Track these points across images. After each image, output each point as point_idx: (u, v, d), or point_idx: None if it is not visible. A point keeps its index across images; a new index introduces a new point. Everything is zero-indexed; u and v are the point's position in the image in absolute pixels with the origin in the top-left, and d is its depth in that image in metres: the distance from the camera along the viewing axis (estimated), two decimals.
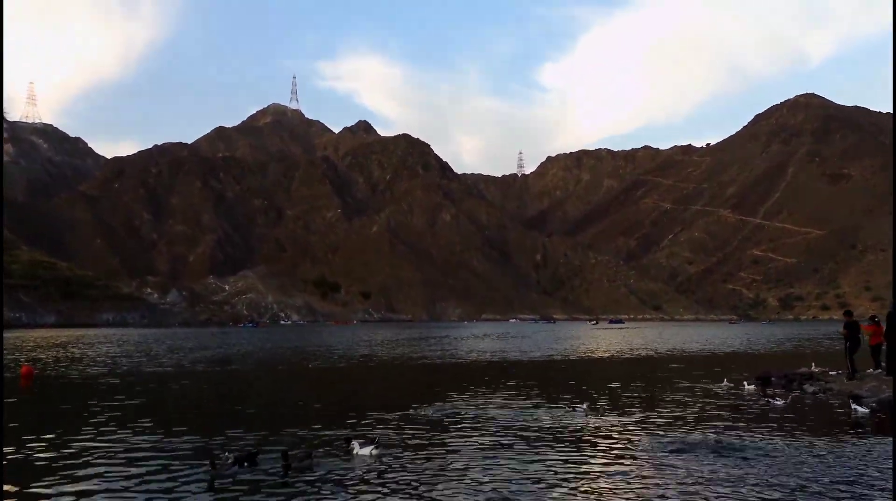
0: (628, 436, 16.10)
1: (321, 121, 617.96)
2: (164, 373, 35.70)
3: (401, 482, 11.92)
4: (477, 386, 27.79)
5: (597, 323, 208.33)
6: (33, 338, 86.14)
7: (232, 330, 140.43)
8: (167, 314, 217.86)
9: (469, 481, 11.94)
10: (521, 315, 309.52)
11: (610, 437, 16.04)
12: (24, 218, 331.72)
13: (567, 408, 20.61)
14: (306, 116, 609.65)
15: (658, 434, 16.19)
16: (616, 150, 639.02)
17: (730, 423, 17.95)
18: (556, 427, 17.53)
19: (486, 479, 12.08)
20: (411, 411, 20.24)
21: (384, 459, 13.53)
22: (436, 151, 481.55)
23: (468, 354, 52.85)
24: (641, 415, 19.42)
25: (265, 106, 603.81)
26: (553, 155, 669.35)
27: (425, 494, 11.21)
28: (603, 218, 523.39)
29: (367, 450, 13.73)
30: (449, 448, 14.74)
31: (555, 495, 11.10)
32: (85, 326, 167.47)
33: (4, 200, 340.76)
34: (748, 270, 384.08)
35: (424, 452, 14.32)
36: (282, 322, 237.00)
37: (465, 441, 15.51)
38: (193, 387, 29.52)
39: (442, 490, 11.42)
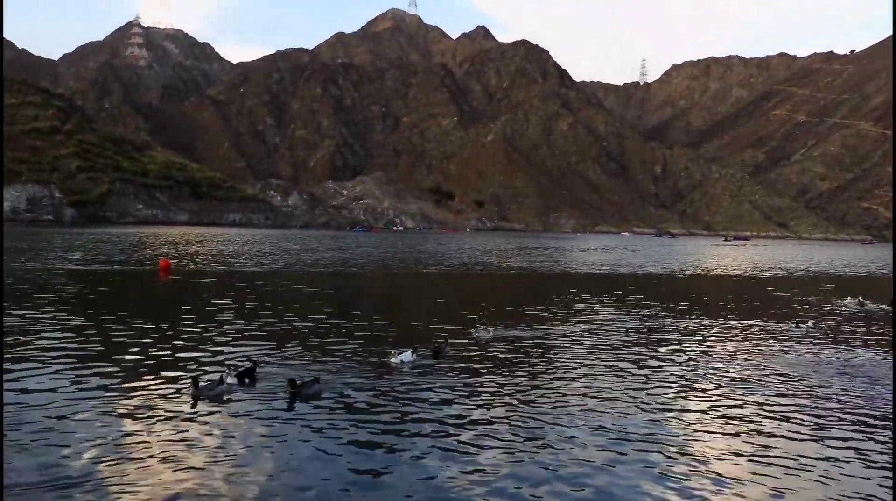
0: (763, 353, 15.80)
1: (439, 27, 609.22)
2: (284, 271, 37.54)
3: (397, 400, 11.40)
4: (583, 298, 27.72)
5: (728, 240, 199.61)
6: (168, 235, 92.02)
7: (348, 234, 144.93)
8: (289, 216, 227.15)
9: (480, 404, 11.25)
10: (635, 229, 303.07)
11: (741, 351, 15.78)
12: (159, 121, 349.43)
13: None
14: (425, 22, 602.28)
15: (791, 354, 15.81)
16: (748, 57, 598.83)
17: (858, 341, 17.33)
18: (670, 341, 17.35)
19: (526, 404, 12.08)
20: (505, 321, 20.48)
21: (417, 368, 13.46)
22: (554, 59, 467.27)
23: (581, 266, 52.56)
24: (773, 334, 18.95)
25: (384, 11, 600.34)
26: (679, 63, 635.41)
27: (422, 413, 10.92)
28: (729, 130, 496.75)
29: (406, 357, 13.76)
30: (501, 364, 14.79)
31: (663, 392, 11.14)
32: (213, 225, 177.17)
33: (141, 102, 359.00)
34: (887, 187, 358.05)
35: (479, 365, 14.34)
36: (394, 228, 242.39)
37: (536, 358, 15.50)
38: (310, 285, 30.92)
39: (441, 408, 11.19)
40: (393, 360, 13.62)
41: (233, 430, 9.36)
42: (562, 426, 10.11)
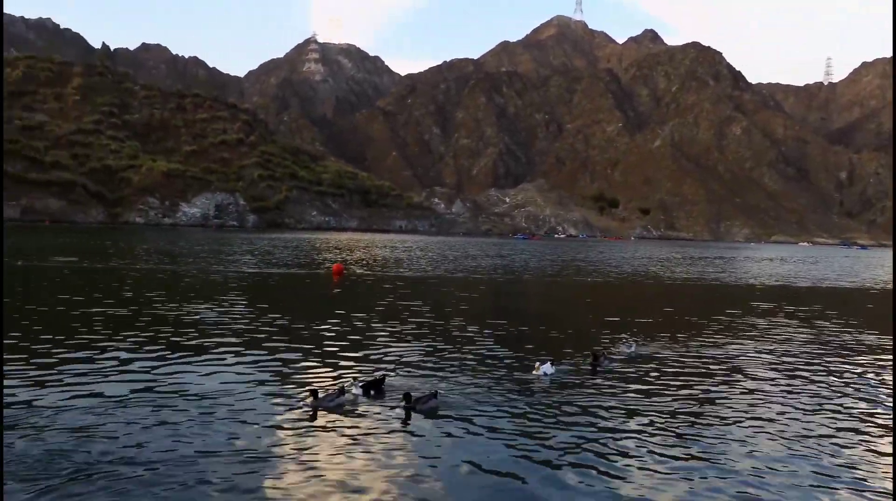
0: None
1: (605, 32, 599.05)
2: (442, 277, 38.15)
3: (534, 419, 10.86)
4: (754, 311, 26.06)
5: None
6: (338, 240, 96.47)
7: (508, 241, 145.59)
8: (452, 224, 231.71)
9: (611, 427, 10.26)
10: (816, 239, 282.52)
11: None
12: (332, 132, 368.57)
13: None
14: (590, 28, 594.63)
15: None
16: None
17: None
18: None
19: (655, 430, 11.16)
20: (660, 334, 19.52)
21: (559, 382, 12.75)
22: (728, 60, 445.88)
23: (753, 277, 49.63)
24: None
25: (549, 19, 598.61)
26: (869, 60, 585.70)
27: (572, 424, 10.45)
28: None
29: (547, 369, 13.16)
30: (661, 384, 13.83)
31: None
32: (381, 231, 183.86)
33: (316, 114, 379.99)
34: None
35: (628, 381, 13.34)
36: (556, 236, 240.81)
37: (684, 383, 14.49)
38: (465, 292, 31.17)
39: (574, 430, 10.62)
40: (535, 372, 13.13)
41: (336, 446, 8.98)
42: (720, 450, 9.28)
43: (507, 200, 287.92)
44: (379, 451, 8.81)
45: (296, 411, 10.44)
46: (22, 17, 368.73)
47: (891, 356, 16.68)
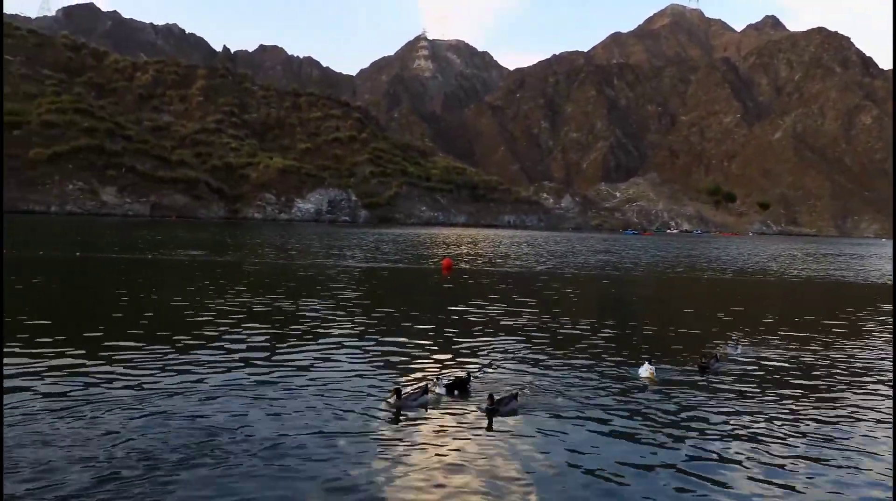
0: None
1: (722, 19, 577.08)
2: (549, 273, 37.86)
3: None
4: (885, 317, 24.49)
5: None
6: (446, 235, 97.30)
7: (619, 237, 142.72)
8: (561, 218, 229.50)
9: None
10: None
11: None
12: (440, 128, 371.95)
13: None
14: (706, 16, 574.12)
15: None
16: None
17: None
18: None
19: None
20: (773, 335, 18.57)
21: (659, 384, 12.18)
22: (857, 45, 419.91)
23: (882, 276, 46.69)
24: None
25: (663, 8, 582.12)
26: None
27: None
28: None
29: (644, 369, 12.61)
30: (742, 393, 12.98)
31: None
32: (489, 226, 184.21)
33: (425, 110, 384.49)
34: None
35: (729, 385, 12.51)
36: (668, 231, 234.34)
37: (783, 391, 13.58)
38: (570, 289, 30.81)
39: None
40: (641, 374, 12.60)
41: (414, 445, 8.83)
42: (836, 466, 8.64)
43: (618, 194, 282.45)
44: (456, 453, 8.61)
45: (380, 409, 10.30)
46: (151, 24, 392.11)
47: None
